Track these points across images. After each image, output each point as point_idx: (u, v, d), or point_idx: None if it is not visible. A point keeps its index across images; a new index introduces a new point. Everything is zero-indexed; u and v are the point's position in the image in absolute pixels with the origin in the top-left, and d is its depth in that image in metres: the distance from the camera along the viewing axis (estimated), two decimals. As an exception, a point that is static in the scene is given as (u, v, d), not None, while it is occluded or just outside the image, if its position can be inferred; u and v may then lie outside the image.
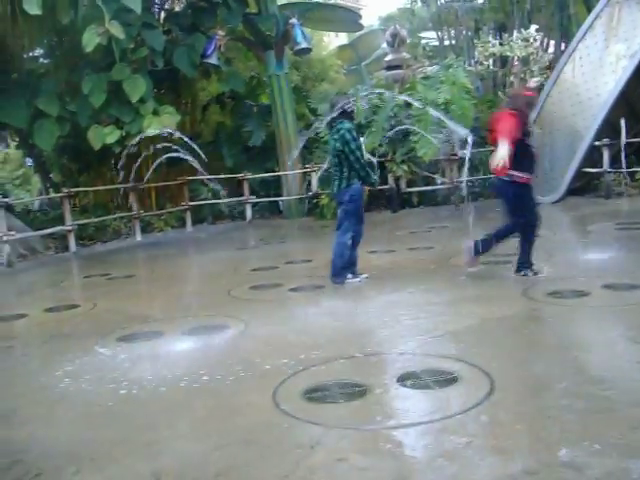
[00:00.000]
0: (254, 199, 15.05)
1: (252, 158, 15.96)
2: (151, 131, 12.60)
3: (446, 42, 20.22)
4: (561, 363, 4.39)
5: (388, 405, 3.99)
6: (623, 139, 12.91)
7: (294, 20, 14.71)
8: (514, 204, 6.86)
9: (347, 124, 7.28)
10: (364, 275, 7.61)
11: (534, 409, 3.68)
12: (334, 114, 7.33)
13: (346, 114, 7.39)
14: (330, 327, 5.69)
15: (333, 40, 25.21)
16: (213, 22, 14.71)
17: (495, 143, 6.58)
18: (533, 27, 15.88)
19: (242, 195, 14.87)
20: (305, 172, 14.89)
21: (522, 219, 6.87)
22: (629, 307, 5.62)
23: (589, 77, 14.13)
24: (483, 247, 7.19)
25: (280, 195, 15.60)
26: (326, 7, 21.60)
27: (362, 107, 14.06)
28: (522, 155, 6.60)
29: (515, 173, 6.65)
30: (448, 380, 4.15)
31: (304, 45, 14.96)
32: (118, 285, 8.94)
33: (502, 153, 6.31)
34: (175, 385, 4.51)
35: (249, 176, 14.88)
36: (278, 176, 15.55)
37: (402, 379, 4.22)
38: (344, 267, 7.46)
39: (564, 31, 17.43)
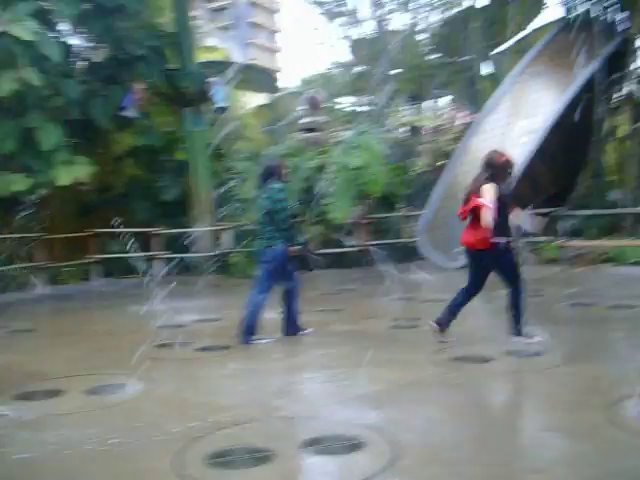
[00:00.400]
0: (164, 254, 14.87)
1: (165, 213, 15.82)
2: (62, 182, 12.36)
3: (362, 108, 20.81)
4: (466, 429, 4.48)
5: (293, 471, 3.98)
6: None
7: (213, 79, 14.88)
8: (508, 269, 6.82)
9: (277, 185, 7.43)
10: (270, 338, 7.57)
11: (437, 477, 3.74)
12: (264, 175, 7.52)
13: (277, 175, 7.54)
14: (237, 389, 5.65)
15: (252, 99, 25.52)
16: (132, 75, 14.70)
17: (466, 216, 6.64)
18: (443, 99, 16.58)
19: (152, 250, 14.67)
20: (217, 229, 14.86)
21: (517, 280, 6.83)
22: (531, 374, 5.81)
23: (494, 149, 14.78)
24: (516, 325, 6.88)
25: (191, 251, 15.47)
26: (245, 67, 21.96)
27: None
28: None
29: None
30: (354, 446, 4.16)
31: (222, 104, 15.12)
32: (17, 339, 8.61)
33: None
34: (72, 449, 4.34)
35: (160, 231, 14.72)
36: (190, 232, 15.44)
37: (308, 444, 4.21)
38: (252, 326, 7.43)
39: (473, 104, 18.25)
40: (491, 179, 6.66)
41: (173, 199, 15.71)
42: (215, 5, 53.45)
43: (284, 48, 67.20)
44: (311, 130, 16.26)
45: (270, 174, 7.52)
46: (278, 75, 26.28)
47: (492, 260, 6.71)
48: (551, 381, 5.56)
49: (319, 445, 4.19)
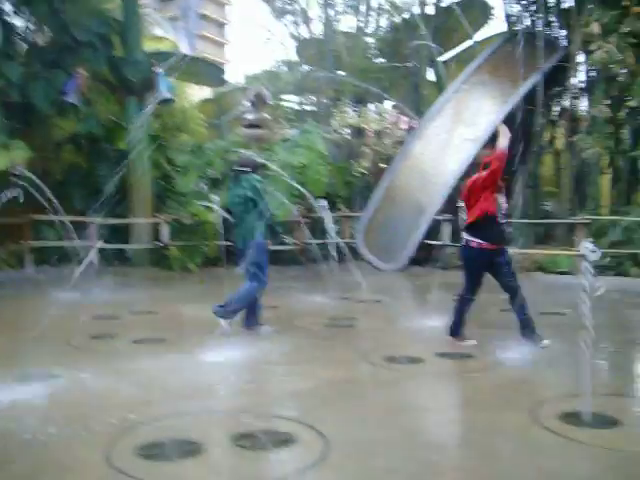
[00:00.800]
0: (101, 244, 14.63)
1: (104, 203, 15.55)
2: (-3, 166, 12.07)
3: (307, 107, 20.91)
4: (396, 427, 4.59)
5: (222, 465, 4.02)
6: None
7: (159, 69, 14.72)
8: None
9: (256, 176, 7.57)
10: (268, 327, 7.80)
11: (366, 471, 3.83)
12: (239, 168, 7.61)
13: (255, 168, 7.69)
14: (170, 382, 5.64)
15: (197, 92, 25.33)
16: (76, 61, 14.43)
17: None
18: (388, 103, 16.78)
19: (88, 239, 14.41)
20: (156, 222, 14.71)
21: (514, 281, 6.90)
22: (460, 375, 5.97)
23: (435, 156, 15.09)
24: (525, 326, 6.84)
25: (129, 242, 15.30)
26: (192, 59, 21.75)
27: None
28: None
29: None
30: (284, 441, 4.22)
31: (167, 95, 14.95)
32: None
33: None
34: (7, 439, 4.29)
35: (98, 220, 14.48)
36: (128, 223, 15.26)
37: (239, 438, 4.25)
38: (235, 312, 7.53)
39: (417, 110, 18.53)
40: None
41: (112, 188, 15.45)
42: (164, -6, 52.79)
43: (233, 42, 66.78)
44: (255, 126, 16.24)
45: (246, 167, 7.61)
46: (225, 69, 26.10)
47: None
48: (480, 383, 5.73)
49: (250, 439, 4.24)
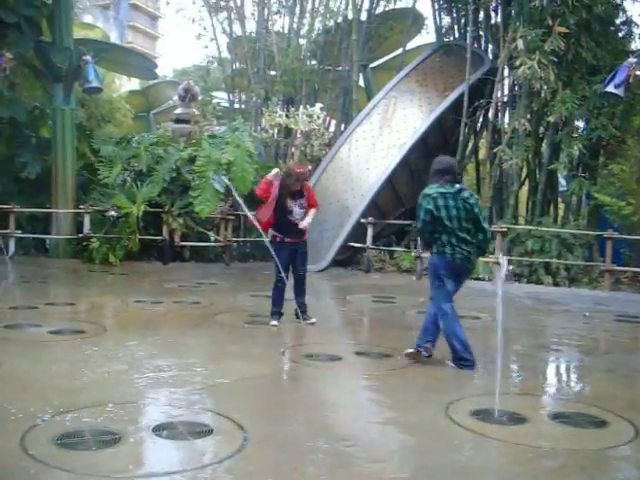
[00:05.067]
0: (19, 234, 14.27)
1: (23, 191, 15.17)
2: None
3: (236, 105, 20.85)
4: (312, 421, 4.70)
5: (141, 454, 4.03)
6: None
7: (88, 57, 14.42)
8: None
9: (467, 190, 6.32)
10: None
11: (283, 463, 3.91)
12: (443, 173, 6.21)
13: (453, 175, 6.28)
14: (88, 373, 5.59)
15: (125, 84, 24.95)
16: (1, 43, 13.99)
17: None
18: (318, 105, 16.92)
19: (7, 228, 14.03)
20: (78, 212, 14.43)
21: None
22: (377, 373, 6.13)
23: (362, 160, 15.32)
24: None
25: (49, 233, 14.95)
26: (123, 50, 21.46)
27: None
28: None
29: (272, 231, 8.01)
30: (203, 432, 4.27)
31: (95, 84, 14.66)
32: None
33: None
34: None
35: (17, 209, 14.11)
36: (49, 213, 14.91)
37: (158, 429, 4.27)
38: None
39: (345, 113, 18.76)
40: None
41: (34, 177, 15.08)
42: (96, -18, 51.69)
43: (165, 35, 65.82)
44: (184, 122, 16.14)
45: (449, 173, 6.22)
46: (156, 62, 25.79)
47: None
48: (397, 380, 5.90)
49: (169, 430, 4.27)
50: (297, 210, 7.93)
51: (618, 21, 14.65)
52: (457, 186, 6.14)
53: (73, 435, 4.11)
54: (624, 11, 14.73)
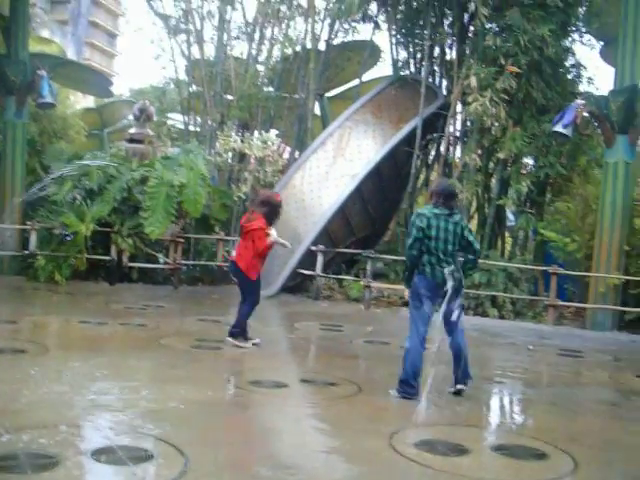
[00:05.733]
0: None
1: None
2: None
3: (191, 128, 20.78)
4: (256, 448, 4.66)
5: (78, 478, 3.94)
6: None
7: (43, 72, 14.23)
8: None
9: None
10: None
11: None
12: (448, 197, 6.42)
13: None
14: (27, 394, 5.46)
15: (80, 100, 24.69)
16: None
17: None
18: (273, 132, 16.98)
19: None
20: (24, 229, 14.14)
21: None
22: (323, 402, 6.12)
23: (315, 187, 15.40)
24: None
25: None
26: (79, 66, 21.31)
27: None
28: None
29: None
30: (143, 457, 4.20)
31: (49, 99, 14.46)
32: None
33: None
34: None
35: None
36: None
37: (96, 453, 4.19)
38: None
39: (300, 141, 18.84)
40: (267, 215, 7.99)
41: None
42: (56, -4, 51.23)
43: (122, 54, 65.48)
44: (138, 141, 16.01)
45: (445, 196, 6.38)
46: (112, 80, 25.62)
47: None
48: (341, 409, 5.90)
49: (108, 454, 4.19)
50: None
51: (568, 64, 15.08)
52: (451, 210, 6.35)
53: (8, 458, 4.00)
54: (573, 54, 15.22)
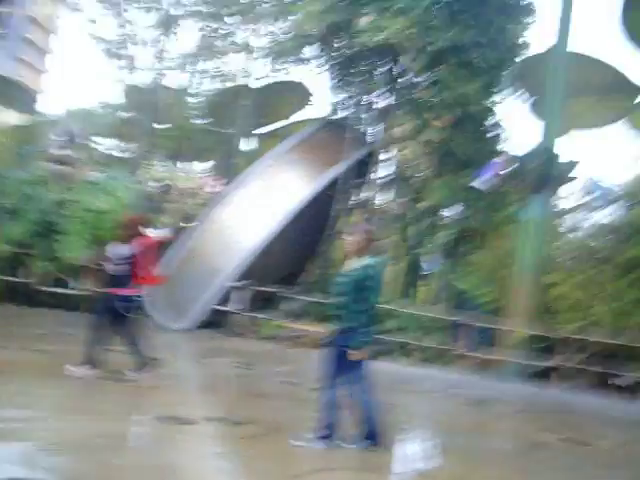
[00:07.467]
0: None
1: None
2: None
3: (119, 153, 20.58)
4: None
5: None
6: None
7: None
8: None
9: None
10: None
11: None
12: None
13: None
14: None
15: (3, 116, 24.04)
16: None
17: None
18: (198, 164, 17.01)
19: None
20: None
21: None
22: (229, 440, 6.10)
23: (237, 223, 15.42)
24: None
25: None
26: (3, 80, 20.83)
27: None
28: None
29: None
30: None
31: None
32: None
33: None
34: None
35: None
36: None
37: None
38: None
39: (227, 175, 18.89)
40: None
41: None
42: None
43: (52, 71, 64.24)
44: (62, 163, 15.73)
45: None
46: (39, 97, 25.11)
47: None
48: (246, 449, 5.88)
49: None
50: None
51: (488, 123, 15.72)
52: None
53: None
54: (494, 114, 15.88)
